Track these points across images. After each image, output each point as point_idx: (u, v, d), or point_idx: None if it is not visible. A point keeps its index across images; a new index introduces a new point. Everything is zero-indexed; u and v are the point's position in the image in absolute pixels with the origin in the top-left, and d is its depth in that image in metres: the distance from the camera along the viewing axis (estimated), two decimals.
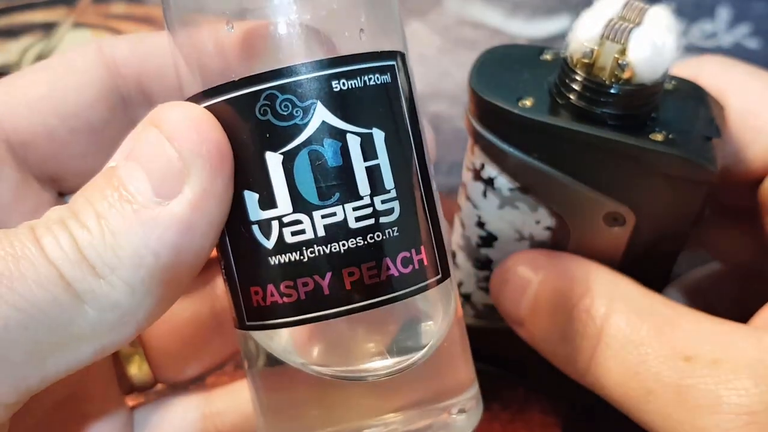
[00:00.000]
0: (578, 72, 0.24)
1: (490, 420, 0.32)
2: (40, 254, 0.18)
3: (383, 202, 0.20)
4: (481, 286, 0.31)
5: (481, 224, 0.28)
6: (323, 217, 0.20)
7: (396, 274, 0.20)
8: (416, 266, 0.21)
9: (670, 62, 0.24)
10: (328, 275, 0.20)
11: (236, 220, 0.20)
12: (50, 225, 0.19)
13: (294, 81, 0.19)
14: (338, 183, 0.20)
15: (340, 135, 0.20)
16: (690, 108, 0.25)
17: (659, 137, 0.24)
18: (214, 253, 0.21)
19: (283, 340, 0.22)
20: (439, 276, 0.21)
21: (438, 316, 0.22)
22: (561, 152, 0.25)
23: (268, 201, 0.20)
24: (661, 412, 0.23)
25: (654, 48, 0.23)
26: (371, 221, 0.20)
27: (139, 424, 0.26)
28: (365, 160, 0.20)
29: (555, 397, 0.33)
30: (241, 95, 0.19)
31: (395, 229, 0.20)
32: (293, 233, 0.20)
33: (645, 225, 0.26)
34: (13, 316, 0.18)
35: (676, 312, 0.24)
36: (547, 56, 0.27)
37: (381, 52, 0.21)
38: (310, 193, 0.20)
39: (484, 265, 0.30)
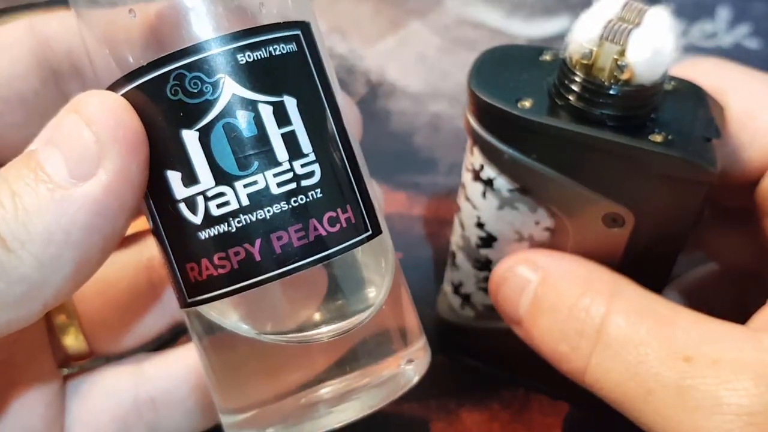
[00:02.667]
0: (577, 73, 0.24)
1: (490, 420, 0.33)
2: None
3: (302, 165, 0.21)
4: (480, 287, 0.31)
5: (480, 225, 0.28)
6: (245, 186, 0.20)
7: (324, 233, 0.21)
8: (344, 225, 0.21)
9: (669, 63, 0.24)
10: (258, 242, 0.20)
11: (163, 200, 0.21)
12: None
13: (200, 58, 0.20)
14: (256, 152, 0.20)
15: (251, 105, 0.20)
16: (689, 109, 0.25)
17: (659, 138, 0.24)
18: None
19: (228, 311, 0.22)
20: (370, 233, 0.22)
21: (377, 274, 0.23)
22: (560, 153, 0.25)
23: (190, 178, 0.20)
24: (661, 413, 0.23)
25: (653, 49, 0.23)
26: (293, 185, 0.21)
27: (71, 393, 0.26)
28: (279, 127, 0.21)
29: (555, 397, 0.33)
30: (151, 79, 0.20)
31: (318, 191, 0.21)
32: (218, 206, 0.20)
33: (644, 226, 0.26)
34: None
35: (675, 312, 0.24)
36: (547, 57, 0.27)
37: (283, 22, 0.21)
38: (229, 164, 0.20)
39: (483, 265, 0.30)
